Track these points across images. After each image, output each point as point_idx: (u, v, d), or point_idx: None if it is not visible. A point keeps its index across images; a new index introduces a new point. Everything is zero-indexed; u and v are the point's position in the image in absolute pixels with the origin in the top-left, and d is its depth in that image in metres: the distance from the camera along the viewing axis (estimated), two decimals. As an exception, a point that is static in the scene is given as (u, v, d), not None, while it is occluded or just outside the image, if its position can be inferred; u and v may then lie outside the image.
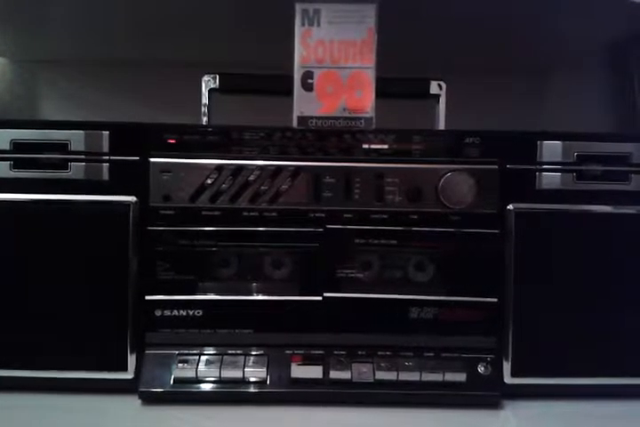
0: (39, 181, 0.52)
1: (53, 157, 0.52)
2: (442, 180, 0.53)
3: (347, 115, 0.54)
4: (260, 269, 0.54)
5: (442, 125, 0.59)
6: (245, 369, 0.51)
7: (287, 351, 0.53)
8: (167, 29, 0.73)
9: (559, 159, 0.54)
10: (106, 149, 0.53)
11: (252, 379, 0.51)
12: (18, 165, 0.52)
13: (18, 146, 0.52)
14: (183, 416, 0.49)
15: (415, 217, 0.53)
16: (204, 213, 0.53)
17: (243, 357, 0.52)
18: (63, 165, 0.52)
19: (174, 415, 0.50)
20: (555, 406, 0.52)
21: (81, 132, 0.52)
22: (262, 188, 0.53)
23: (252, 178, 0.53)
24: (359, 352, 0.53)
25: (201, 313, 0.53)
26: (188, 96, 0.59)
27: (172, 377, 0.51)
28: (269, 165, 0.53)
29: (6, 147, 0.52)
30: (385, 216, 0.53)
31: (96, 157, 0.52)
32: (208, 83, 0.58)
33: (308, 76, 0.54)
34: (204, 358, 0.52)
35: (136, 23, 0.72)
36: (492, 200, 0.53)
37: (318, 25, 0.54)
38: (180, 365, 0.51)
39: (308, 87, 0.54)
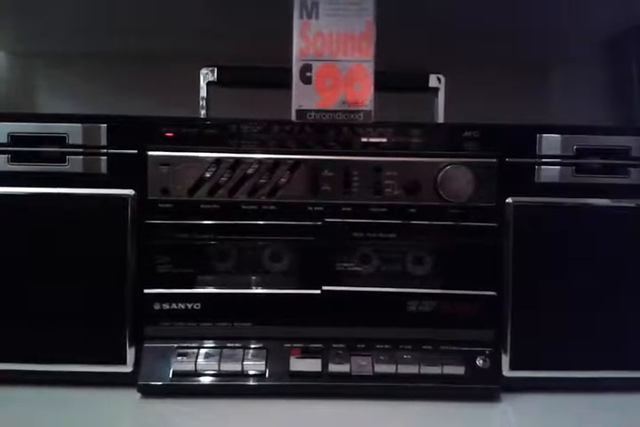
0: (37, 175, 0.52)
1: (51, 151, 0.52)
2: (441, 173, 0.52)
3: (345, 108, 0.54)
4: (259, 262, 0.54)
5: (441, 119, 0.58)
6: (244, 362, 0.51)
7: (286, 345, 0.53)
8: (165, 22, 0.73)
9: (558, 153, 0.54)
10: (104, 142, 0.52)
11: (251, 372, 0.51)
12: (15, 158, 0.52)
13: (15, 139, 0.52)
14: (182, 409, 0.49)
15: (414, 210, 0.53)
16: (202, 206, 0.53)
17: (242, 350, 0.52)
18: (61, 158, 0.52)
19: (173, 409, 0.50)
20: (553, 399, 0.52)
21: (79, 125, 0.52)
22: (261, 181, 0.53)
23: (250, 171, 0.53)
24: (358, 345, 0.53)
25: (200, 306, 0.53)
26: (186, 89, 0.59)
27: (171, 370, 0.51)
28: (268, 158, 0.53)
29: (4, 140, 0.52)
30: (383, 209, 0.53)
31: (94, 151, 0.52)
32: (206, 76, 0.58)
33: (306, 68, 0.54)
34: (202, 351, 0.52)
35: (134, 16, 0.71)
36: (490, 193, 0.53)
37: (317, 17, 0.54)
38: (179, 358, 0.51)
39: (306, 80, 0.54)
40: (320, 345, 0.53)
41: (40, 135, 0.52)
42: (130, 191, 0.52)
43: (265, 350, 0.52)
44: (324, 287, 0.53)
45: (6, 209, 0.51)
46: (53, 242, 0.51)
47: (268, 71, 0.58)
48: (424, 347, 0.53)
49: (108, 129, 0.52)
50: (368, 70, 0.54)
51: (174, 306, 0.53)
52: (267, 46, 0.62)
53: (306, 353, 0.52)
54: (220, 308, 0.53)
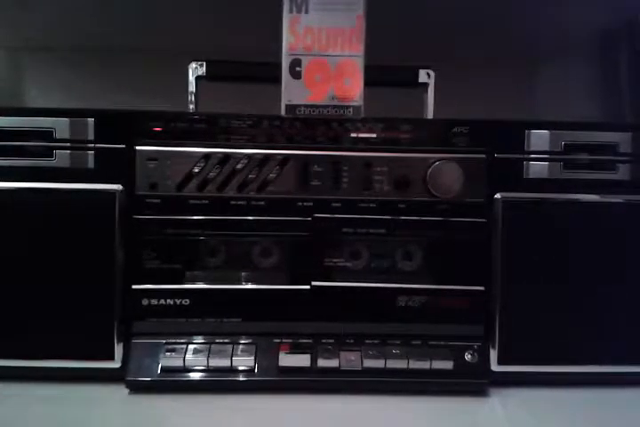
0: (24, 169, 0.52)
1: (38, 145, 0.52)
2: (430, 169, 0.52)
3: (335, 103, 0.54)
4: (248, 258, 0.54)
5: (430, 114, 0.58)
6: (233, 358, 0.51)
7: (275, 340, 0.53)
8: (154, 16, 0.72)
9: (547, 148, 0.54)
10: (91, 136, 0.52)
11: (240, 368, 0.51)
12: (2, 152, 0.51)
13: (2, 133, 0.51)
14: (171, 405, 0.49)
15: (403, 206, 0.53)
16: (191, 201, 0.52)
17: (231, 345, 0.52)
18: (48, 152, 0.52)
19: (162, 404, 0.49)
20: (540, 393, 0.53)
21: (66, 119, 0.52)
22: (250, 176, 0.52)
23: (239, 166, 0.52)
24: (347, 340, 0.53)
25: (188, 302, 0.53)
26: (174, 83, 0.58)
27: (160, 366, 0.51)
28: (257, 153, 0.52)
29: (-10, 135, 0.51)
30: (373, 205, 0.53)
31: (81, 145, 0.52)
32: (195, 70, 0.57)
33: (296, 63, 0.54)
34: (191, 346, 0.52)
35: (123, 9, 0.71)
36: (479, 189, 0.53)
37: (306, 12, 0.53)
38: (168, 354, 0.51)
39: (296, 75, 0.54)
40: (309, 340, 0.53)
41: (27, 129, 0.52)
42: (118, 186, 0.52)
43: (254, 346, 0.52)
44: (314, 283, 0.53)
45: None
46: (40, 238, 0.51)
47: (258, 65, 0.58)
48: (413, 342, 0.53)
49: (96, 123, 0.52)
50: (358, 65, 0.54)
51: (163, 302, 0.52)
52: (256, 40, 0.61)
53: (295, 348, 0.52)
54: (208, 303, 0.53)
